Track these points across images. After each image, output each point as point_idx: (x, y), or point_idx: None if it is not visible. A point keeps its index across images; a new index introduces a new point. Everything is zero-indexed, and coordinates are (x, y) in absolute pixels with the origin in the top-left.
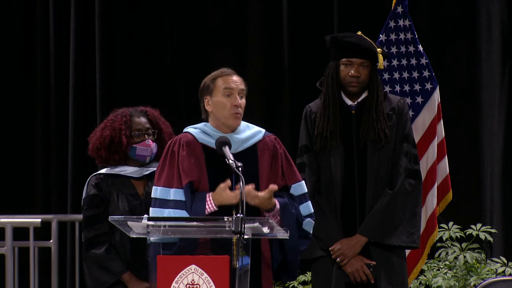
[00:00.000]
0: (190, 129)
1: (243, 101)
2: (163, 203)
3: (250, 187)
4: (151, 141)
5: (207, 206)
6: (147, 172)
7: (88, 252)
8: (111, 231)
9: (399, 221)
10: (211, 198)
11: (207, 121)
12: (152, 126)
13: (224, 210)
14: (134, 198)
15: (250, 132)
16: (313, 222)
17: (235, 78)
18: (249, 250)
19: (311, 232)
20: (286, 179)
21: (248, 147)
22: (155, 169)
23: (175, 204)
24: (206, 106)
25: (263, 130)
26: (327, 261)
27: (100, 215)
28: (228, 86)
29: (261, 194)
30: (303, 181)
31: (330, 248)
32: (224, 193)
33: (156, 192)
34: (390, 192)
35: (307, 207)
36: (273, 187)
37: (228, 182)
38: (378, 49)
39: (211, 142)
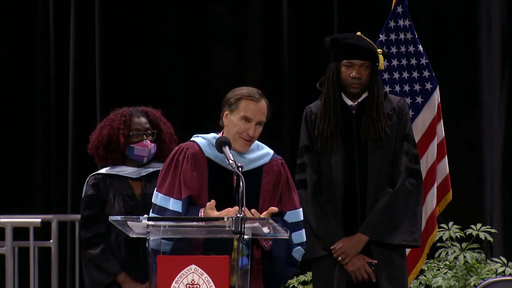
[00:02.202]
0: (199, 138)
1: (258, 131)
2: (162, 211)
3: (253, 211)
4: (149, 141)
5: None
6: (145, 173)
7: (85, 253)
8: (108, 232)
9: (400, 220)
10: (202, 215)
11: (222, 127)
12: (152, 127)
13: None
14: (130, 199)
15: (258, 153)
16: (303, 251)
17: (260, 106)
18: (249, 250)
19: (299, 260)
20: (283, 205)
21: (253, 169)
22: (153, 169)
23: (172, 215)
24: (223, 118)
25: (271, 153)
26: (328, 261)
27: (97, 215)
28: (249, 116)
29: (262, 216)
30: (300, 209)
31: (331, 247)
32: (210, 212)
33: (157, 198)
34: (391, 190)
35: (300, 236)
36: (273, 209)
37: (213, 202)
38: (378, 49)
39: (216, 157)
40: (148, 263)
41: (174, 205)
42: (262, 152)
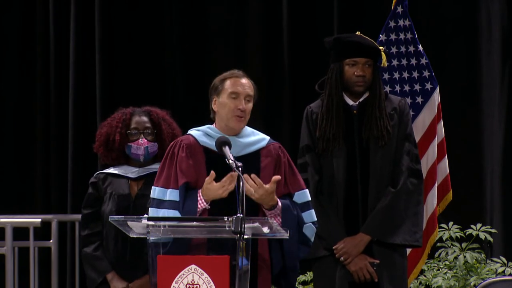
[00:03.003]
0: (193, 131)
1: (248, 106)
2: (160, 203)
3: (253, 175)
4: (146, 140)
5: (198, 204)
6: (144, 173)
7: (82, 250)
8: (103, 231)
9: (401, 220)
10: (201, 194)
11: (214, 121)
12: (152, 126)
13: (218, 209)
14: (124, 199)
15: (254, 138)
16: (315, 229)
17: (244, 81)
18: (249, 250)
19: (312, 239)
20: (289, 187)
21: (251, 153)
22: (155, 169)
23: (170, 205)
24: (213, 106)
25: (268, 138)
26: (330, 260)
27: (94, 214)
28: (235, 90)
29: (266, 186)
30: (307, 190)
31: (333, 247)
32: (210, 186)
33: (154, 192)
34: (392, 190)
35: (310, 215)
36: (277, 177)
37: (213, 173)
38: (380, 47)
39: (212, 145)
40: (148, 263)
41: (171, 195)
42: (258, 137)
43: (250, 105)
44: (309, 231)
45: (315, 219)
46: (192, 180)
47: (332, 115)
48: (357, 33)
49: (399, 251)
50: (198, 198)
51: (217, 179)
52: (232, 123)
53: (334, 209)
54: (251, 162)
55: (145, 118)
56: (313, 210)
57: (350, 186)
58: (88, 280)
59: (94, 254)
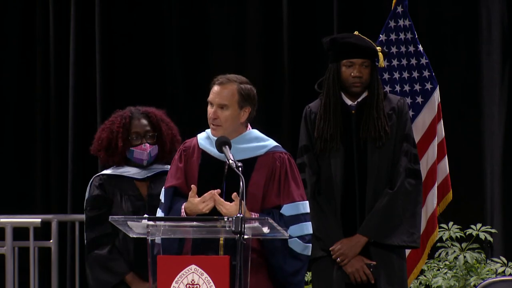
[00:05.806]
0: (201, 133)
1: (222, 113)
2: (160, 204)
3: (215, 192)
4: (148, 144)
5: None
6: (150, 174)
7: (91, 253)
8: (114, 232)
9: (399, 221)
10: (184, 208)
11: None
12: (152, 129)
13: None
14: (137, 199)
15: (254, 144)
16: (303, 243)
17: (221, 88)
18: (249, 250)
19: (303, 253)
20: (281, 198)
21: (244, 160)
22: (158, 170)
23: (163, 207)
24: None
25: (271, 145)
26: (327, 261)
27: (103, 216)
28: (209, 99)
29: (230, 204)
30: (300, 202)
31: (330, 248)
32: (192, 200)
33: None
34: (390, 191)
35: (299, 229)
36: (234, 194)
37: (194, 188)
38: (378, 48)
39: (209, 148)
40: (148, 263)
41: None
42: (259, 144)
43: (226, 113)
44: (296, 245)
45: (305, 232)
46: (178, 182)
47: (329, 115)
48: (355, 32)
49: (397, 252)
50: (182, 212)
51: (208, 182)
52: (211, 131)
53: (331, 209)
54: (243, 169)
55: (144, 121)
56: (304, 224)
57: (347, 186)
58: (97, 283)
59: (109, 255)
